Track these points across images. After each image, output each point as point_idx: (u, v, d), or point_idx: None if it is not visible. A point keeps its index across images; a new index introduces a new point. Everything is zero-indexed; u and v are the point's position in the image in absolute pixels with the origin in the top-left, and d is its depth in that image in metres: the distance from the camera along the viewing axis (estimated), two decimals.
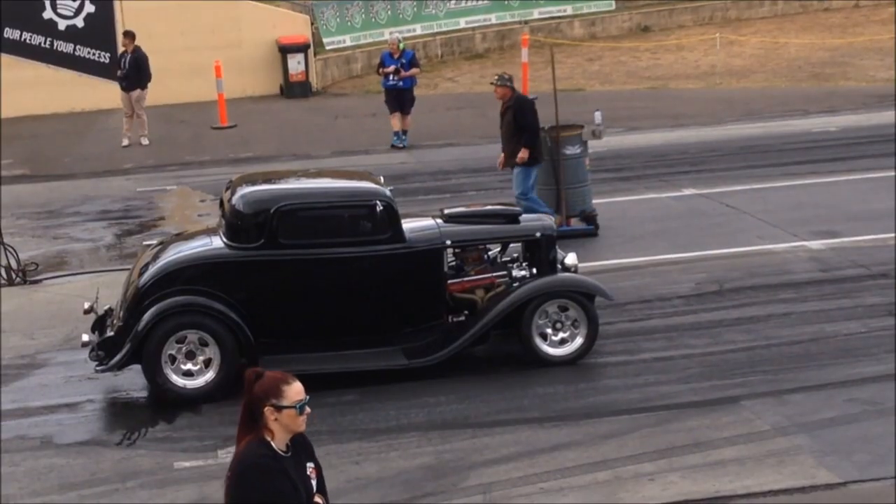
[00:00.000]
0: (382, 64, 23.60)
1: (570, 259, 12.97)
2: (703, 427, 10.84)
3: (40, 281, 15.96)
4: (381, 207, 12.06)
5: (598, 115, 17.42)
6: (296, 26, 29.87)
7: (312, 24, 30.31)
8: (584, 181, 17.09)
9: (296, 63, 29.28)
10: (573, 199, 16.81)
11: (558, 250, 13.01)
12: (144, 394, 12.16)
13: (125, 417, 11.74)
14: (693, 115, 25.06)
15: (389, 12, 32.11)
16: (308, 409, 6.07)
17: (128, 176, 22.26)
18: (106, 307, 12.70)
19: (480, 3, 34.03)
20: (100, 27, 28.61)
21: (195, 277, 11.92)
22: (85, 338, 12.07)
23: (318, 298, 11.98)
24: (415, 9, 32.64)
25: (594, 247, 16.16)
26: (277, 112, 27.97)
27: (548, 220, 13.33)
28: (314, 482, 6.20)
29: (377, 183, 12.65)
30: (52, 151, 24.42)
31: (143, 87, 24.59)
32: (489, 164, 21.10)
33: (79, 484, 10.34)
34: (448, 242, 12.46)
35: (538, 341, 12.30)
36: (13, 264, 15.88)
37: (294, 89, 29.31)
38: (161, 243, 13.08)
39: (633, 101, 26.85)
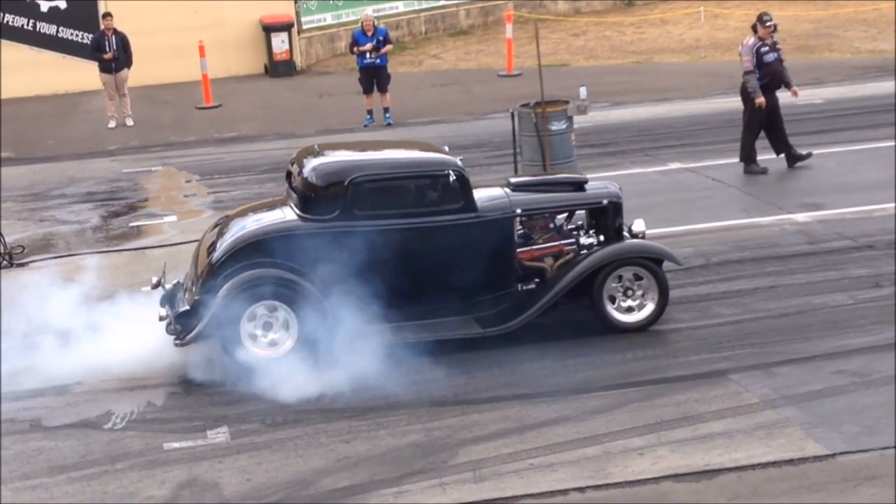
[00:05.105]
0: (356, 43, 23.38)
1: (638, 225, 12.98)
2: (691, 401, 10.87)
3: (27, 264, 15.95)
4: (454, 177, 12.15)
5: (582, 91, 17.40)
6: (279, 5, 29.77)
7: (296, 2, 30.20)
8: (570, 157, 17.09)
9: (280, 42, 29.20)
10: None
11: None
12: (133, 376, 12.13)
13: (114, 399, 11.71)
14: (678, 89, 25.05)
15: None
16: None
17: (113, 157, 22.21)
18: (174, 281, 12.81)
19: None
20: (83, 8, 28.48)
21: (270, 250, 11.94)
22: (162, 312, 12.12)
23: (391, 269, 12.00)
24: None
25: None
26: (262, 91, 27.90)
27: (614, 186, 13.29)
28: None
29: (445, 153, 12.72)
30: (37, 134, 24.34)
31: (130, 66, 24.58)
32: (474, 141, 21.14)
33: (68, 466, 10.34)
34: (519, 211, 12.52)
35: (610, 309, 12.39)
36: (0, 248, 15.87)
37: (278, 68, 29.23)
38: (226, 217, 13.14)
39: (617, 76, 26.81)
